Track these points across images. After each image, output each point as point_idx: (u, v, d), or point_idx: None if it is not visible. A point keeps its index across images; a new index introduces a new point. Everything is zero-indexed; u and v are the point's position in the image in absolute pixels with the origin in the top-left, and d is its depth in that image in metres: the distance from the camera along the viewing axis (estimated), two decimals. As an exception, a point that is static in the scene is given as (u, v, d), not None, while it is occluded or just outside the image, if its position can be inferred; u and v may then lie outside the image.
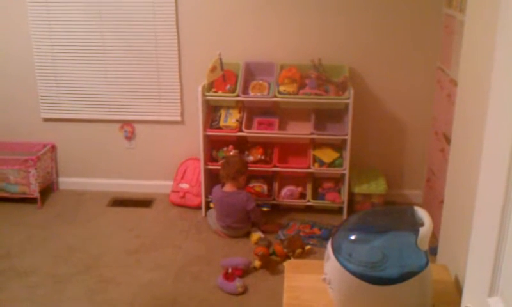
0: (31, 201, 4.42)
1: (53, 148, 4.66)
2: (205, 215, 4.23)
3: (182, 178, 4.46)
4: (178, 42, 4.30)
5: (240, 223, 3.93)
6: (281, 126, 4.19)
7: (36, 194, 4.39)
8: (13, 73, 4.52)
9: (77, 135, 4.63)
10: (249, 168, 4.09)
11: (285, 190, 4.22)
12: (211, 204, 4.21)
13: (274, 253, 3.63)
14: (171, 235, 4.02)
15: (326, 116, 4.18)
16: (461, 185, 2.46)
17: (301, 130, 4.15)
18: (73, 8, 4.30)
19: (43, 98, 4.54)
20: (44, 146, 4.58)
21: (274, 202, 4.22)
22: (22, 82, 4.53)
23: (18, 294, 3.35)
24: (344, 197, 4.13)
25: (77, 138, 4.64)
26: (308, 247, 3.72)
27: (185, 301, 3.28)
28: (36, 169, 4.33)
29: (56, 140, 4.67)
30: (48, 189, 4.65)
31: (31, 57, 4.45)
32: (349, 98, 3.91)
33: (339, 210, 4.20)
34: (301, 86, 4.02)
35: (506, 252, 1.15)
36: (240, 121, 4.13)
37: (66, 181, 4.75)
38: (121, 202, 4.54)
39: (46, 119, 4.61)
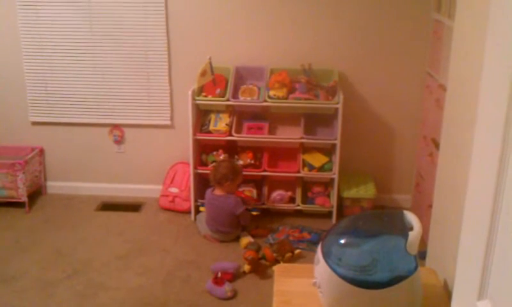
0: (18, 205, 4.38)
1: (41, 151, 4.63)
2: (195, 219, 4.22)
3: (172, 182, 4.45)
4: (168, 46, 4.29)
5: (229, 227, 3.93)
6: (271, 131, 4.20)
7: (24, 198, 4.35)
8: (1, 76, 4.49)
9: (65, 139, 4.61)
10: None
11: (275, 195, 4.22)
12: (201, 209, 4.21)
13: (263, 257, 3.63)
14: (160, 240, 4.00)
15: (315, 121, 4.20)
16: (449, 189, 2.48)
17: (290, 135, 4.16)
18: (63, 11, 4.28)
19: (32, 101, 4.51)
20: (32, 149, 4.55)
21: (263, 206, 4.22)
22: (11, 86, 4.50)
23: (6, 300, 3.32)
24: (334, 201, 4.14)
25: (65, 142, 4.61)
26: (297, 251, 3.72)
27: (175, 306, 3.27)
28: (24, 173, 4.29)
29: (44, 144, 4.64)
30: (36, 193, 4.61)
31: (19, 60, 4.42)
32: (338, 103, 3.92)
33: (328, 215, 4.21)
34: (291, 90, 4.03)
35: (495, 256, 1.15)
36: (230, 126, 4.13)
37: (55, 186, 4.71)
38: (110, 206, 4.51)
39: (34, 123, 4.58)
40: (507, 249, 1.10)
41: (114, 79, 4.40)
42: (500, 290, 1.13)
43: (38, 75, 4.45)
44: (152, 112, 4.46)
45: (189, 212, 4.29)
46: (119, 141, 4.58)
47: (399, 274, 1.87)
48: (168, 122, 4.47)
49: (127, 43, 4.31)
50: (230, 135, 4.11)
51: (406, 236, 1.85)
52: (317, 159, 4.16)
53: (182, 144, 4.32)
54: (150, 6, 4.21)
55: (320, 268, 1.92)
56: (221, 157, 4.19)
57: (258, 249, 3.69)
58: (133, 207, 4.48)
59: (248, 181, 4.27)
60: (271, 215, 4.24)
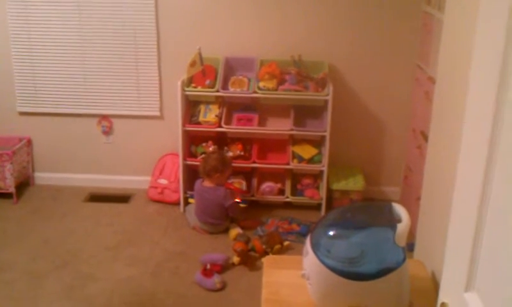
0: (6, 196, 4.34)
1: (29, 142, 4.59)
2: (184, 211, 4.22)
3: (161, 173, 4.43)
4: (158, 36, 4.26)
5: (218, 219, 3.92)
6: (261, 122, 4.19)
7: (12, 189, 4.32)
8: (-11, 66, 4.45)
9: (54, 129, 4.57)
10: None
11: (264, 187, 4.22)
12: (190, 200, 4.20)
13: (253, 249, 3.64)
14: (149, 231, 3.99)
15: (305, 113, 4.20)
16: (438, 181, 2.49)
17: (280, 126, 4.15)
18: (52, 1, 4.23)
19: (20, 91, 4.47)
20: (20, 140, 4.51)
21: (253, 198, 4.22)
22: (-2, 75, 4.46)
23: (-7, 290, 3.31)
24: (323, 193, 4.15)
25: (53, 132, 4.58)
26: (286, 243, 3.73)
27: (164, 297, 3.27)
28: (11, 163, 4.25)
29: (32, 134, 4.60)
30: (24, 184, 4.58)
31: (8, 50, 4.36)
32: (328, 95, 3.92)
33: (318, 207, 4.22)
34: (281, 82, 4.02)
35: (483, 248, 1.16)
36: (219, 117, 4.11)
37: (43, 176, 4.68)
38: (99, 197, 4.49)
39: (22, 113, 4.54)
40: (495, 241, 1.11)
41: (103, 70, 4.36)
42: (487, 281, 1.14)
43: (26, 65, 4.40)
44: (141, 103, 4.44)
45: (178, 204, 4.28)
46: (107, 132, 4.55)
47: (387, 266, 1.88)
48: (157, 113, 4.44)
49: (116, 34, 4.27)
50: (220, 126, 4.10)
51: (394, 228, 1.86)
52: (307, 151, 4.16)
53: (171, 135, 4.30)
54: (139, -4, 4.17)
55: (309, 259, 1.93)
56: (211, 149, 4.18)
57: (247, 241, 3.69)
58: (122, 198, 4.46)
59: (237, 173, 4.27)
60: (260, 207, 4.24)
